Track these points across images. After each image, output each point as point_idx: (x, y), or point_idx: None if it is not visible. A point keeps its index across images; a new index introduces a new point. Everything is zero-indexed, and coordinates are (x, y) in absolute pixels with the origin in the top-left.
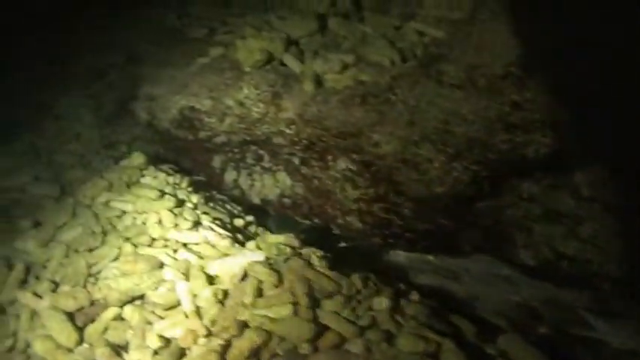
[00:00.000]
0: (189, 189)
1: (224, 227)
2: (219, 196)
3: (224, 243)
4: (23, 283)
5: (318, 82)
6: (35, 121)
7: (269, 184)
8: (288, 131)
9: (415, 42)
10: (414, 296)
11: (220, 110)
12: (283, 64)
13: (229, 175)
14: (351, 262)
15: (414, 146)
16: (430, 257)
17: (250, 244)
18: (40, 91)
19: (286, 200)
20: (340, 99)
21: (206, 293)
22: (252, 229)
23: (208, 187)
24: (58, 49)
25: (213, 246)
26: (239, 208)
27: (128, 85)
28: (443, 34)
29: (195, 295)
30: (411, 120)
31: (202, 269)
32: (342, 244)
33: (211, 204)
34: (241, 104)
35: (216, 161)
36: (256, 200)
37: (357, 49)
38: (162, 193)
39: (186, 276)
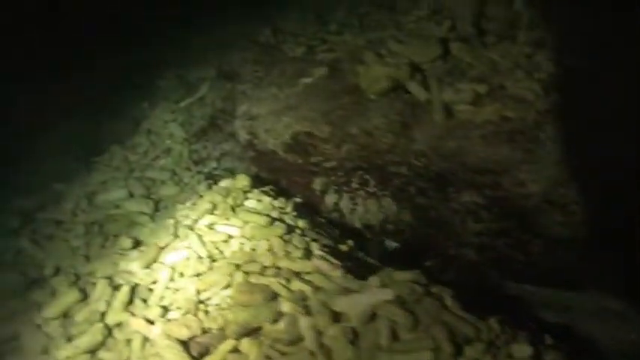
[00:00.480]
0: (294, 213)
1: (334, 255)
2: (319, 219)
3: (337, 273)
4: (128, 305)
5: (449, 112)
6: (127, 134)
7: (373, 209)
8: (416, 163)
9: (553, 73)
10: (549, 340)
11: (339, 137)
12: (407, 92)
13: (330, 198)
14: (477, 299)
15: (562, 187)
16: (542, 290)
17: (374, 280)
18: (130, 105)
19: (389, 226)
20: (482, 134)
21: (333, 331)
22: (357, 254)
23: (308, 209)
24: (145, 62)
25: (326, 276)
26: (337, 232)
27: (220, 101)
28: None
29: (320, 332)
30: (560, 159)
31: (325, 304)
32: (456, 276)
33: (317, 229)
34: (368, 133)
35: (317, 183)
36: (357, 224)
37: (489, 79)
38: (272, 219)
39: (307, 310)
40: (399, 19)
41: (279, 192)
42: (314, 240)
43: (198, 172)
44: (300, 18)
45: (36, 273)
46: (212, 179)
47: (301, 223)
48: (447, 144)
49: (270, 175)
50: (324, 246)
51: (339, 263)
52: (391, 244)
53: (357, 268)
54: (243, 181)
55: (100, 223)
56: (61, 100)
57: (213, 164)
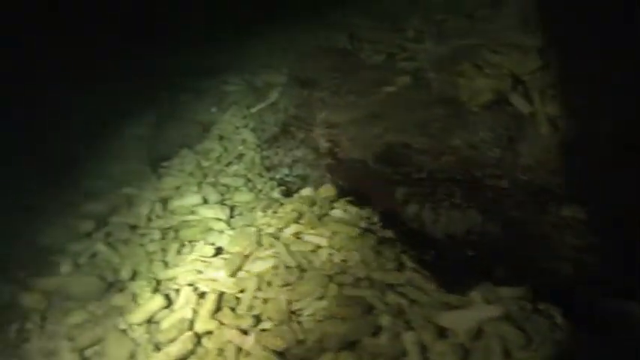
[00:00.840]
0: (380, 223)
1: (424, 266)
2: (401, 229)
3: (431, 286)
4: (215, 314)
5: (554, 125)
6: (195, 139)
7: (457, 220)
8: (521, 177)
9: None
10: None
11: (437, 149)
12: (510, 104)
13: (411, 208)
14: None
15: None
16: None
17: (476, 295)
18: (195, 109)
19: (473, 237)
20: None
21: (441, 347)
22: (444, 265)
23: (389, 219)
24: (206, 66)
25: (420, 289)
26: (420, 242)
27: (293, 108)
28: None
29: (425, 348)
30: None
31: (428, 319)
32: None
33: (404, 240)
34: (473, 146)
35: (400, 193)
36: (439, 235)
37: None
38: (362, 230)
39: (408, 324)
40: (484, 28)
41: (361, 201)
42: (403, 251)
43: (271, 179)
44: (378, 26)
45: (112, 277)
46: (284, 186)
47: (389, 233)
48: (553, 158)
49: (347, 184)
50: (414, 257)
51: (430, 274)
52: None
53: (449, 281)
54: (328, 190)
55: (175, 228)
56: (120, 103)
57: (285, 171)
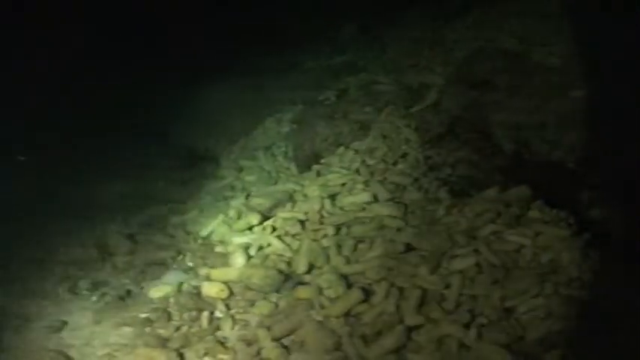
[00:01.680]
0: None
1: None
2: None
3: None
4: (421, 308)
5: None
6: (354, 137)
7: None
8: None
9: None
10: None
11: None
12: None
13: (594, 212)
14: None
15: None
16: None
17: None
18: (354, 109)
19: None
20: None
21: None
22: None
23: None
24: (346, 65)
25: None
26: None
27: (457, 109)
28: None
29: None
30: None
31: None
32: None
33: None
34: None
35: (585, 195)
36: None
37: None
38: (566, 231)
39: None
40: None
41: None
42: (608, 254)
43: (436, 179)
44: (548, 28)
45: (287, 269)
46: (447, 186)
47: (587, 235)
48: None
49: (534, 185)
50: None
51: None
52: None
53: None
54: (522, 191)
55: (347, 224)
56: (269, 99)
57: (448, 170)
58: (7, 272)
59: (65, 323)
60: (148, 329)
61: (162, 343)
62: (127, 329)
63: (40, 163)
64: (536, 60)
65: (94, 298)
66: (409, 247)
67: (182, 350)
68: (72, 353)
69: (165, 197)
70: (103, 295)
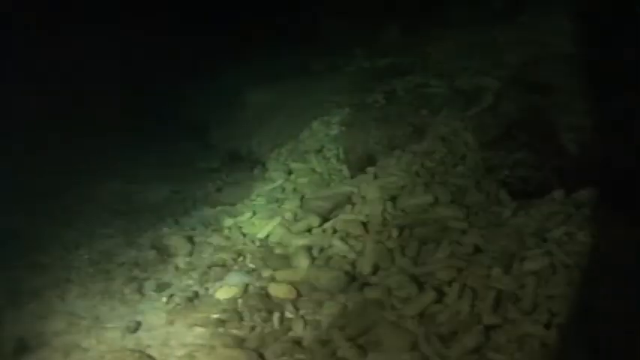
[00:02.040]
0: None
1: None
2: None
3: None
4: (497, 309)
5: None
6: (408, 140)
7: None
8: None
9: None
10: None
11: None
12: None
13: None
14: None
15: None
16: None
17: None
18: (408, 112)
19: None
20: None
21: None
22: None
23: None
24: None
25: None
26: None
27: (516, 112)
28: None
29: None
30: None
31: None
32: None
33: None
34: None
35: None
36: None
37: None
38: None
39: None
40: None
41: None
42: None
43: (495, 180)
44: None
45: (353, 271)
46: (507, 187)
47: None
48: None
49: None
50: None
51: None
52: None
53: None
54: (594, 192)
55: (410, 226)
56: (318, 105)
57: (505, 172)
58: (69, 273)
59: (139, 324)
60: (221, 330)
61: (239, 343)
62: (201, 330)
63: (84, 163)
64: (596, 61)
65: (164, 300)
66: (477, 249)
67: (260, 350)
68: (151, 353)
69: (214, 199)
70: (172, 296)
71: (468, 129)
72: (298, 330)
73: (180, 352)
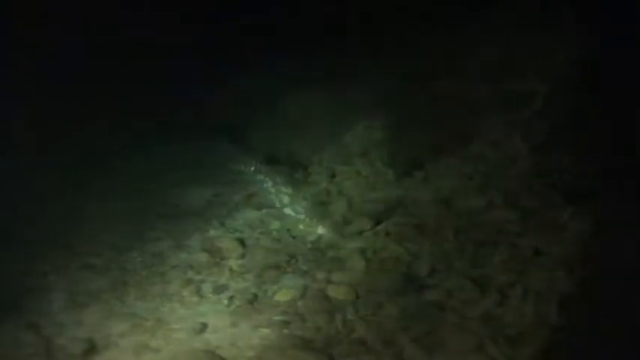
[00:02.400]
0: None
1: None
2: None
3: None
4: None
5: None
6: (456, 144)
7: None
8: None
9: None
10: None
11: None
12: None
13: None
14: None
15: None
16: None
17: None
18: (451, 114)
19: None
20: None
21: None
22: None
23: None
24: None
25: None
26: None
27: (562, 116)
28: None
29: None
30: None
31: None
32: None
33: None
34: None
35: None
36: None
37: None
38: None
39: None
40: None
41: None
42: None
43: (547, 184)
44: None
45: (409, 273)
46: (559, 190)
47: None
48: None
49: None
50: None
51: None
52: None
53: None
54: None
55: (465, 229)
56: (357, 105)
57: (557, 175)
58: (124, 275)
59: (205, 325)
60: (286, 331)
61: (306, 344)
62: (266, 331)
63: (121, 165)
64: None
65: (225, 302)
66: (537, 252)
67: (328, 351)
68: (221, 354)
69: (257, 201)
70: (232, 298)
71: (517, 133)
72: (361, 331)
73: (250, 353)
